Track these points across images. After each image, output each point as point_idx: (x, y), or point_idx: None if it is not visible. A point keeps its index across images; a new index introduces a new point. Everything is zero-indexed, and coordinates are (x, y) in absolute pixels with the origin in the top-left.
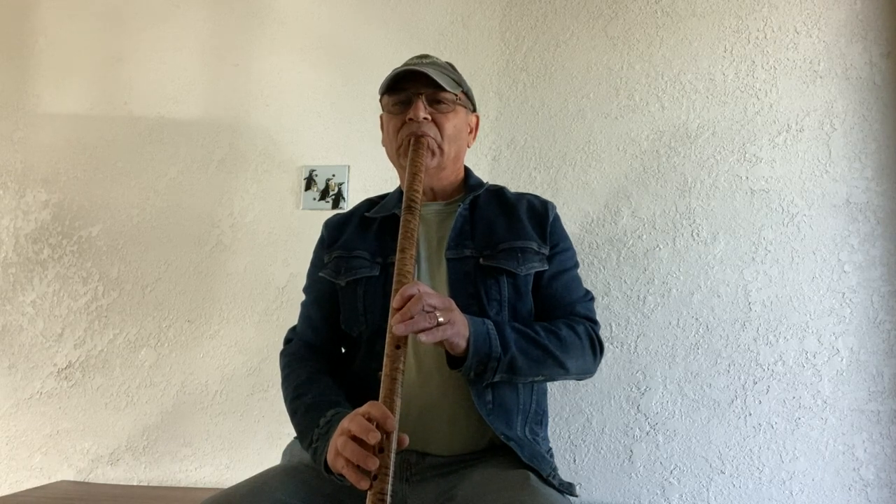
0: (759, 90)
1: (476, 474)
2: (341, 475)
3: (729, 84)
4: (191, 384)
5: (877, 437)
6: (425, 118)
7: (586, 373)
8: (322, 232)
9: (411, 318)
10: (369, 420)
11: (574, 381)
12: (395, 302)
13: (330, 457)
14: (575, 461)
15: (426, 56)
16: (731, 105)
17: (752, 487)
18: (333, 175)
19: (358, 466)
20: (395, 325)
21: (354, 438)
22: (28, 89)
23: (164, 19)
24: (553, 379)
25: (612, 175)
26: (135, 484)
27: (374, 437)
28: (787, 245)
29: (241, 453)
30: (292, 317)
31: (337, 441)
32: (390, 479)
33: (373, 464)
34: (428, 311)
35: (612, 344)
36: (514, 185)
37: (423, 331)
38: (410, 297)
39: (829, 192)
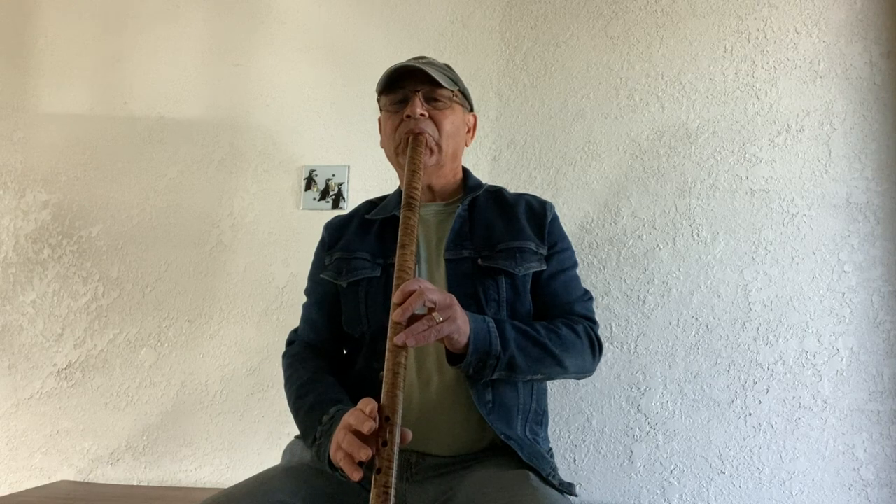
0: (759, 90)
1: (476, 474)
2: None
3: (729, 84)
4: (191, 384)
5: (877, 437)
6: (422, 115)
7: (585, 372)
8: (323, 234)
9: (410, 323)
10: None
11: (573, 380)
12: (395, 297)
13: (332, 451)
14: (575, 461)
15: (423, 57)
16: (731, 105)
17: (752, 487)
18: (333, 175)
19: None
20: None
21: (354, 432)
22: (28, 89)
23: (164, 19)
24: (552, 378)
25: (612, 175)
26: (135, 484)
27: (367, 426)
28: (787, 245)
29: (241, 453)
30: (292, 317)
31: (338, 435)
32: (394, 473)
33: (365, 454)
34: (428, 307)
35: (612, 344)
36: (514, 185)
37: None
38: (411, 293)
39: (829, 192)
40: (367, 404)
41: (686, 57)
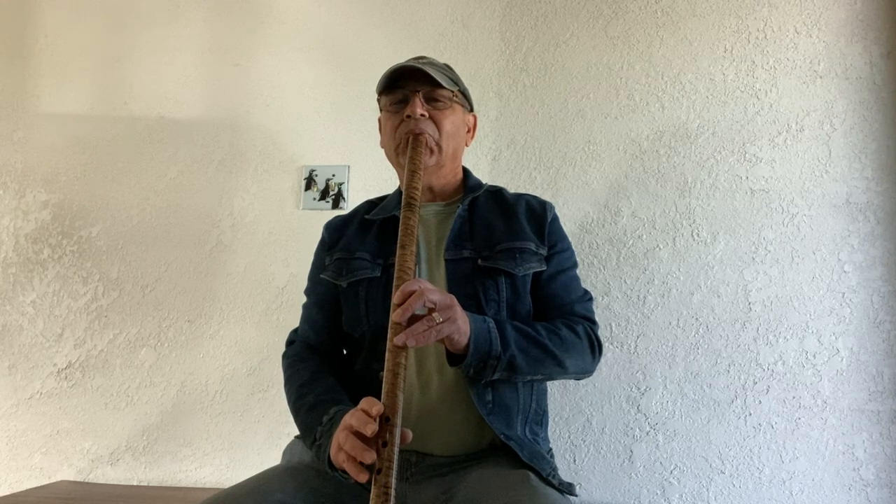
0: (759, 90)
1: (476, 474)
2: (344, 471)
3: (729, 84)
4: (191, 384)
5: (877, 437)
6: (422, 115)
7: (585, 372)
8: (323, 234)
9: (410, 323)
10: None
11: (573, 380)
12: (395, 298)
13: (333, 452)
14: (575, 461)
15: (423, 57)
16: (731, 105)
17: (752, 487)
18: (333, 175)
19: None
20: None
21: (356, 433)
22: (28, 89)
23: (164, 19)
24: (552, 378)
25: (612, 175)
26: (135, 484)
27: (370, 429)
28: (787, 245)
29: (241, 453)
30: (292, 317)
31: (339, 436)
32: (394, 473)
33: (370, 457)
34: (429, 307)
35: (612, 344)
36: (514, 185)
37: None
38: (411, 294)
39: (829, 192)
40: (373, 405)
41: (686, 57)
